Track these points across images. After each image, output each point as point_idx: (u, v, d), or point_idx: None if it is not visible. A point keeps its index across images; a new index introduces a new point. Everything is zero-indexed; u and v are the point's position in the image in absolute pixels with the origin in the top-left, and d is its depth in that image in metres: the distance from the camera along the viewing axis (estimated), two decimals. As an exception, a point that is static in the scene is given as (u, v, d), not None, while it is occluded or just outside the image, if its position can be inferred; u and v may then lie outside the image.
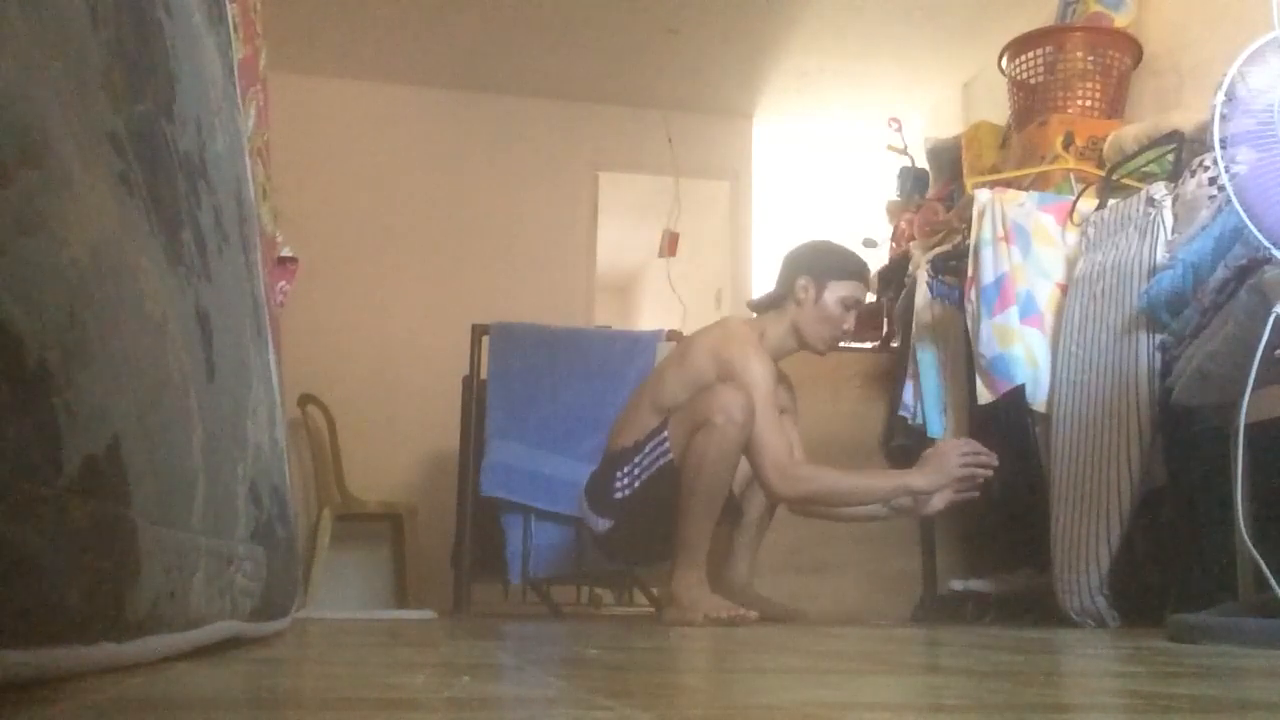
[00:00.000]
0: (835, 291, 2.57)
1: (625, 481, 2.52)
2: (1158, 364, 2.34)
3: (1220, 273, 2.10)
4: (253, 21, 2.66)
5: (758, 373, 2.45)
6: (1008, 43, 3.42)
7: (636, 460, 2.51)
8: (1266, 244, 1.72)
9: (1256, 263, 1.93)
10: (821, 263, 2.59)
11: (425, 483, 4.31)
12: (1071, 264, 2.73)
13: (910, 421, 3.13)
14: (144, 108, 0.88)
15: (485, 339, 3.39)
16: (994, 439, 2.84)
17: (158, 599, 0.79)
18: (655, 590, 3.48)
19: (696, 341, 2.61)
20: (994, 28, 3.90)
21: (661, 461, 2.47)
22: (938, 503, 2.44)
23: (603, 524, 2.58)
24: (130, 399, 0.73)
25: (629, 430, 2.59)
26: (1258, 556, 1.69)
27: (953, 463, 2.38)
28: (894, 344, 3.52)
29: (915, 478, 2.42)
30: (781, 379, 2.63)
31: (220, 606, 1.01)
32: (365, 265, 4.64)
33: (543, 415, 3.29)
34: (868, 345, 3.77)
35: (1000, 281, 2.75)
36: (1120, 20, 3.38)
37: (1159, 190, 2.51)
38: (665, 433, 2.47)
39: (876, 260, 4.01)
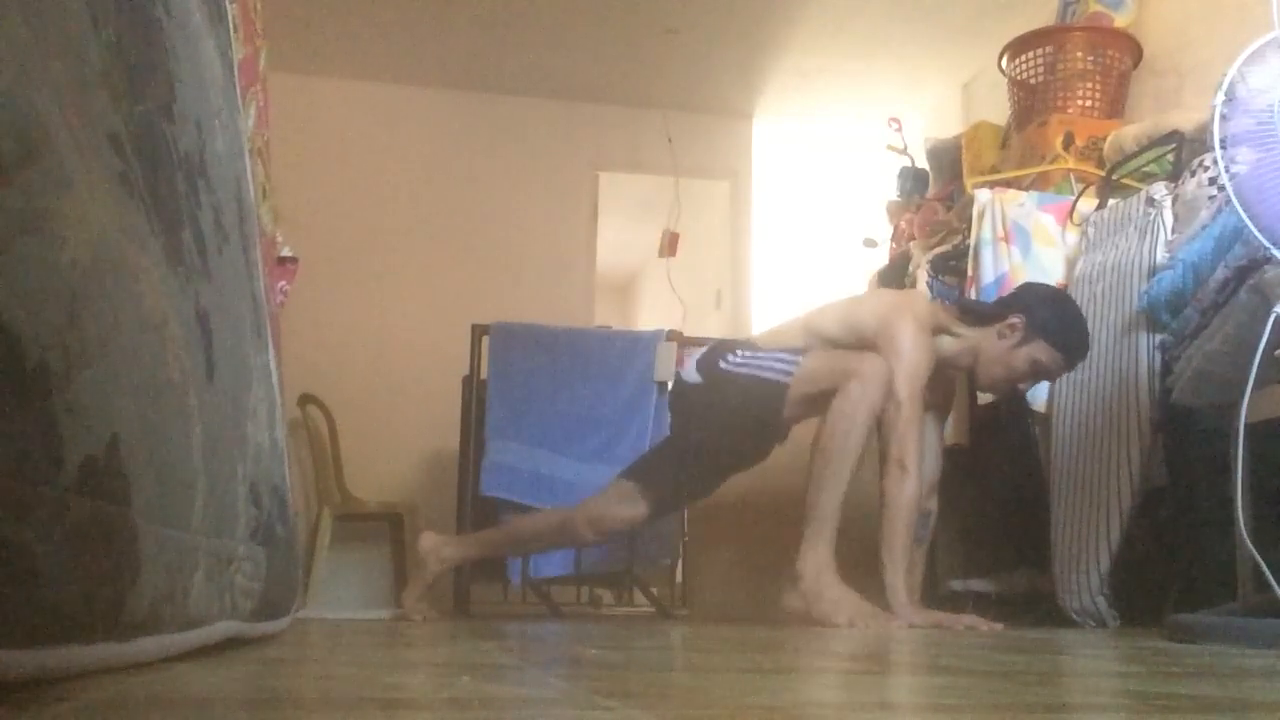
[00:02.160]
0: (1038, 351, 2.37)
1: (740, 360, 2.45)
2: (1158, 364, 2.34)
3: (1220, 273, 2.10)
4: (253, 21, 2.66)
5: (911, 349, 2.35)
6: (1008, 43, 3.42)
7: (761, 355, 2.44)
8: (1266, 244, 1.72)
9: (1256, 263, 1.93)
10: (1048, 318, 2.38)
11: (425, 483, 4.31)
12: (1071, 264, 2.73)
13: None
14: (144, 108, 0.88)
15: (485, 339, 3.39)
16: (994, 439, 2.85)
17: (158, 599, 0.79)
18: (655, 590, 3.48)
19: (880, 296, 2.60)
20: (994, 28, 3.90)
21: (779, 376, 2.39)
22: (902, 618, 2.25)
23: (694, 378, 2.51)
24: (130, 399, 0.73)
25: (774, 335, 2.56)
26: (1258, 556, 1.69)
27: (944, 627, 2.19)
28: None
29: (907, 610, 2.23)
30: (939, 378, 2.51)
31: (220, 606, 1.01)
32: (365, 265, 4.64)
33: (543, 415, 3.29)
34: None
35: (1000, 281, 2.75)
36: (1120, 20, 3.38)
37: (1159, 190, 2.51)
38: (799, 358, 2.40)
39: (876, 260, 4.02)
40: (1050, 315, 2.39)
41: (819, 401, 2.35)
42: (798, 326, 2.54)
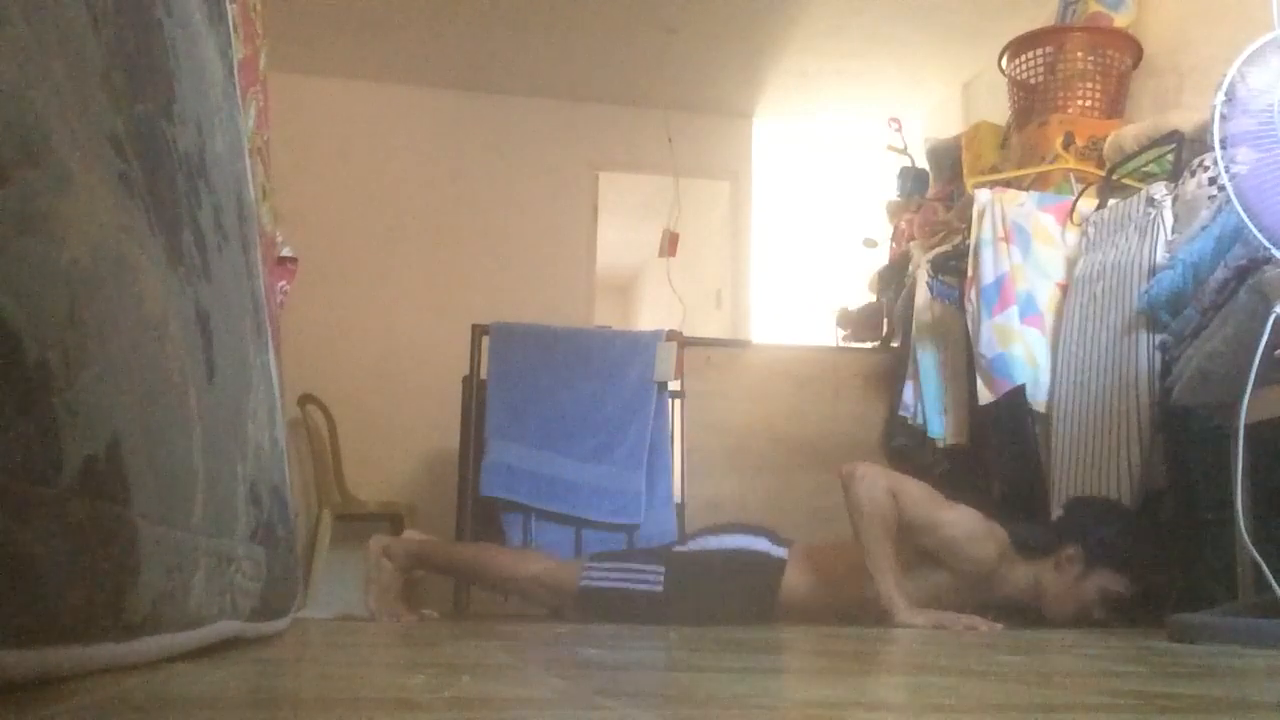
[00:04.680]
0: (1105, 579, 2.19)
1: None
2: (1158, 364, 2.34)
3: (1220, 273, 2.10)
4: (253, 21, 2.66)
5: (953, 519, 2.28)
6: (1008, 43, 3.42)
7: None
8: (1266, 244, 1.72)
9: (1256, 263, 1.93)
10: (1109, 541, 2.19)
11: (425, 483, 4.31)
12: (1071, 264, 2.73)
13: (910, 421, 3.13)
14: (144, 108, 0.88)
15: (485, 339, 3.39)
16: (994, 439, 2.85)
17: (158, 599, 0.79)
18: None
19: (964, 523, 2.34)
20: (994, 28, 3.90)
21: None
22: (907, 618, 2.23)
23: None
24: (130, 399, 0.73)
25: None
26: (1258, 556, 1.69)
27: (945, 627, 2.16)
28: (894, 344, 3.52)
29: (905, 611, 2.20)
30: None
31: (220, 606, 1.01)
32: (365, 265, 4.64)
33: (543, 415, 3.29)
34: (868, 345, 3.78)
35: (1000, 281, 2.75)
36: (1120, 20, 3.38)
37: (1159, 190, 2.51)
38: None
39: (877, 260, 4.02)
40: (1107, 538, 2.19)
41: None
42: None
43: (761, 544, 2.47)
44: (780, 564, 2.42)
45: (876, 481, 2.31)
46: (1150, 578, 2.21)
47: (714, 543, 2.51)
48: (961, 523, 2.29)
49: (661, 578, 2.38)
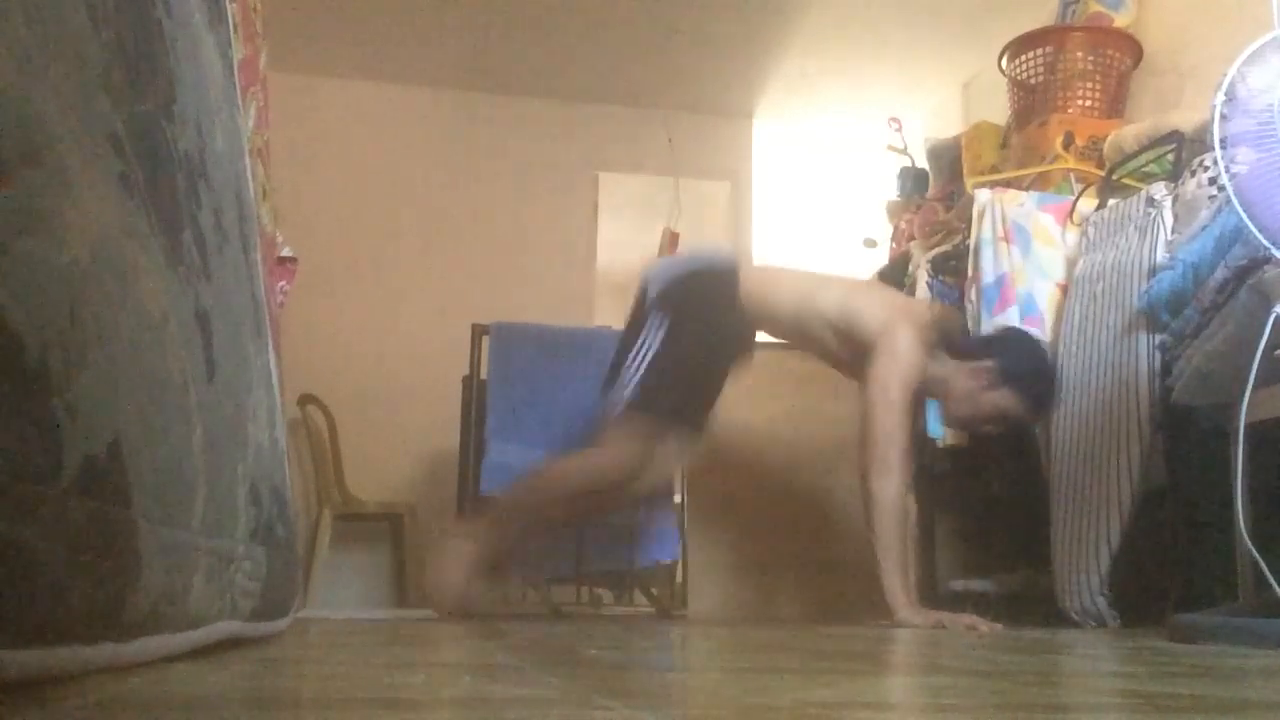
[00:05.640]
0: (1004, 398, 2.40)
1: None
2: (1158, 364, 2.34)
3: (1220, 273, 2.10)
4: (253, 21, 2.66)
5: (907, 357, 2.38)
6: (1008, 43, 3.42)
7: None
8: (1266, 244, 1.72)
9: (1256, 263, 1.93)
10: (1020, 369, 2.41)
11: (425, 483, 4.30)
12: (1071, 264, 2.73)
13: (911, 422, 3.13)
14: (144, 108, 0.88)
15: (485, 339, 3.39)
16: (994, 439, 2.85)
17: (158, 599, 0.79)
18: (655, 590, 3.48)
19: (886, 295, 2.62)
20: (994, 28, 3.90)
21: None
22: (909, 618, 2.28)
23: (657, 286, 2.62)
24: (130, 399, 0.73)
25: (771, 283, 2.63)
26: (1258, 556, 1.69)
27: (945, 627, 2.19)
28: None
29: (906, 610, 2.25)
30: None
31: (220, 606, 1.01)
32: (365, 265, 4.63)
33: (543, 415, 3.29)
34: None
35: (1000, 281, 2.75)
36: (1120, 20, 3.38)
37: (1159, 190, 2.51)
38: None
39: (877, 260, 4.02)
40: (1023, 366, 2.41)
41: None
42: (794, 292, 2.57)
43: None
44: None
45: (895, 479, 2.33)
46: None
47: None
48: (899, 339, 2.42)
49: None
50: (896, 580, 2.27)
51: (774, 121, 5.16)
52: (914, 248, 3.41)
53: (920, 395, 2.51)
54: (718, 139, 5.10)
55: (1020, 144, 3.35)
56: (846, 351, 2.51)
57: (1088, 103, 3.25)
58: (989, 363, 2.40)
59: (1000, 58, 3.47)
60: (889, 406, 2.33)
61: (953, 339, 2.51)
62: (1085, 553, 2.38)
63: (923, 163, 4.01)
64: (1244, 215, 1.72)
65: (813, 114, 5.09)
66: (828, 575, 3.11)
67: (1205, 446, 2.17)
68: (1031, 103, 3.35)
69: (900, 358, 2.36)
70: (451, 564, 2.46)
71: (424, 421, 4.23)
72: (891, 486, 2.31)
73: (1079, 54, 3.28)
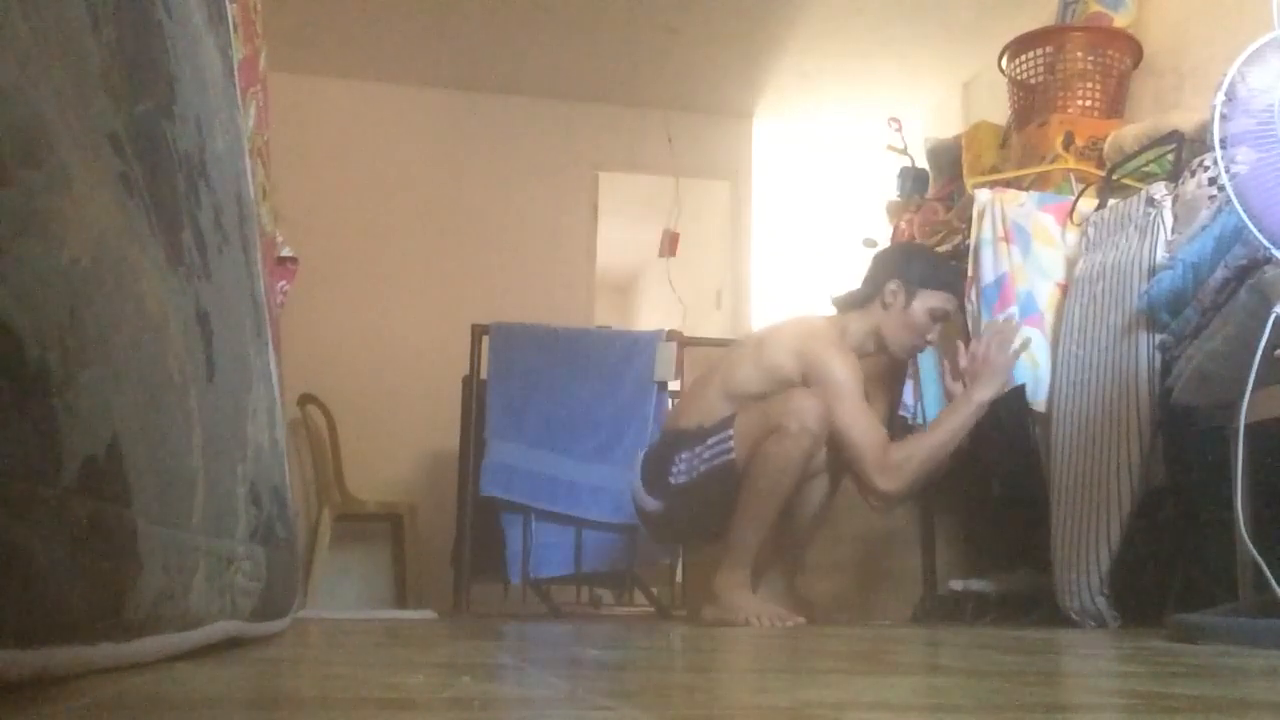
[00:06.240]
0: (925, 301, 2.52)
1: (684, 468, 2.45)
2: (1158, 364, 2.34)
3: (1220, 273, 2.09)
4: (253, 21, 2.66)
5: (842, 372, 2.40)
6: (1008, 43, 3.42)
7: (698, 449, 2.44)
8: (1266, 244, 1.72)
9: (1256, 263, 1.93)
10: (914, 269, 2.53)
11: (425, 483, 4.31)
12: (1071, 264, 2.73)
13: (910, 421, 3.13)
14: (144, 108, 0.88)
15: (485, 339, 3.39)
16: (994, 439, 2.85)
17: (158, 599, 0.79)
18: (655, 590, 3.48)
19: (776, 335, 2.55)
20: (994, 28, 3.90)
21: (724, 458, 2.39)
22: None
23: (653, 504, 2.52)
24: (130, 399, 0.73)
25: (694, 412, 2.53)
26: (1258, 556, 1.69)
27: (997, 360, 2.38)
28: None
29: (982, 392, 2.40)
30: (868, 375, 2.57)
31: (220, 606, 1.01)
32: (365, 265, 4.64)
33: (543, 415, 3.29)
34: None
35: (1000, 281, 2.75)
36: (1120, 20, 3.38)
37: (1159, 190, 2.50)
38: (731, 429, 2.40)
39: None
40: (909, 263, 2.54)
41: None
42: (712, 393, 2.53)
43: None
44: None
45: (895, 475, 2.38)
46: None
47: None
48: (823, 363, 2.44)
49: (731, 441, 2.43)
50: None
51: (774, 121, 5.16)
52: (914, 248, 3.40)
53: (876, 377, 2.57)
54: (718, 139, 5.10)
55: (1020, 144, 3.35)
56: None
57: (1088, 103, 3.25)
58: (889, 284, 2.50)
59: (1000, 58, 3.47)
60: (855, 420, 2.37)
61: (845, 300, 2.61)
62: (1085, 552, 2.38)
63: (923, 163, 4.01)
64: (1244, 215, 1.72)
65: (812, 114, 5.09)
66: (827, 574, 3.11)
67: (1205, 446, 2.17)
68: (1031, 103, 3.35)
69: (839, 383, 2.39)
70: (733, 596, 2.39)
71: (424, 421, 4.23)
72: (895, 483, 2.38)
73: (1079, 54, 3.28)
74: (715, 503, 2.40)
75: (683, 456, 2.46)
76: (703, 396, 2.55)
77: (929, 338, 2.57)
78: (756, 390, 2.46)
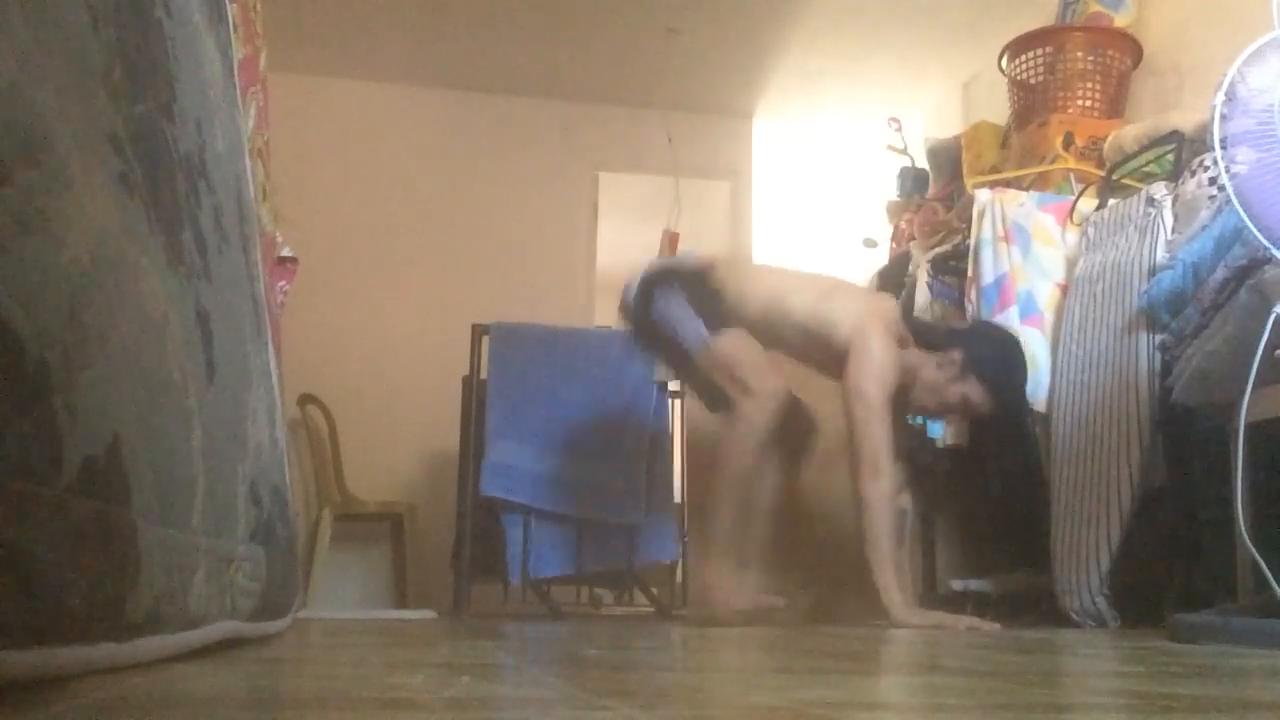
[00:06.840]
0: (970, 389, 2.41)
1: (665, 306, 2.51)
2: (1158, 364, 2.34)
3: (1220, 273, 2.10)
4: (253, 21, 2.66)
5: (883, 362, 2.38)
6: (1008, 43, 3.42)
7: (689, 312, 2.49)
8: (1266, 244, 1.72)
9: (1256, 263, 1.93)
10: (988, 362, 2.42)
11: (425, 483, 4.31)
12: (1071, 264, 2.73)
13: (910, 422, 3.13)
14: (144, 108, 0.88)
15: (485, 339, 3.39)
16: (994, 439, 2.85)
17: (158, 599, 0.79)
18: (655, 590, 3.48)
19: (853, 297, 2.58)
20: (994, 28, 3.90)
21: (688, 342, 2.47)
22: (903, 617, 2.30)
23: (630, 301, 2.57)
24: (130, 399, 0.73)
25: (738, 276, 2.59)
26: (1258, 556, 1.69)
27: (944, 628, 2.21)
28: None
29: (903, 610, 2.26)
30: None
31: (220, 606, 1.01)
32: (365, 265, 4.63)
33: (543, 415, 3.29)
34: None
35: (1000, 281, 2.75)
36: (1120, 20, 3.38)
37: (1159, 190, 2.51)
38: (715, 339, 2.45)
39: (877, 260, 4.02)
40: (990, 359, 2.43)
41: (718, 385, 2.46)
42: (764, 293, 2.54)
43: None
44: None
45: (883, 481, 2.34)
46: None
47: None
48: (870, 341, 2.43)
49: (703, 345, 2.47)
50: (889, 580, 2.27)
51: (774, 121, 5.16)
52: (914, 248, 3.41)
53: (901, 391, 2.51)
54: (718, 139, 5.09)
55: (1020, 144, 3.35)
56: (817, 353, 2.51)
57: (1088, 103, 3.25)
58: (956, 354, 2.41)
59: (1000, 58, 3.47)
60: (868, 410, 2.34)
61: (923, 330, 2.54)
62: (1085, 552, 2.38)
63: (923, 163, 4.01)
64: (1244, 215, 1.72)
65: (813, 113, 5.09)
66: (828, 575, 3.11)
67: (1205, 446, 2.17)
68: (1031, 103, 3.35)
69: (874, 359, 2.37)
70: (715, 584, 2.43)
71: (424, 421, 4.23)
72: (879, 488, 2.32)
73: (1079, 54, 3.28)
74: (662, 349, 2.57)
75: (677, 298, 2.49)
76: (753, 282, 2.58)
77: (946, 420, 2.60)
78: (800, 320, 2.49)
